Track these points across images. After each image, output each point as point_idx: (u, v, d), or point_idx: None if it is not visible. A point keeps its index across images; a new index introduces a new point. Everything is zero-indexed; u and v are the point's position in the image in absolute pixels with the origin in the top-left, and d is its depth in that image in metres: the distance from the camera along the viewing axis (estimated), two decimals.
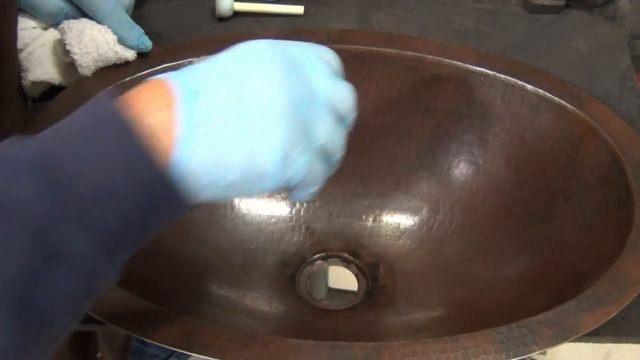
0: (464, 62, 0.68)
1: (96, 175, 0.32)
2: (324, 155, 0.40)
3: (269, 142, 0.36)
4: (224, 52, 0.38)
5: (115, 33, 0.64)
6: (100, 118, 0.34)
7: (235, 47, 0.38)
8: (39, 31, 0.66)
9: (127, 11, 0.66)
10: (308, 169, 0.38)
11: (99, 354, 0.77)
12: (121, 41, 0.64)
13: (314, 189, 0.41)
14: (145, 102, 0.35)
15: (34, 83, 0.64)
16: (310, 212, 0.71)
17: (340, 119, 0.40)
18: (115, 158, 0.33)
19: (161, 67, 0.66)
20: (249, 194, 0.38)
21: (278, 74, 0.37)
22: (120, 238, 0.34)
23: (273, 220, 0.70)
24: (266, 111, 0.36)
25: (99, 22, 0.64)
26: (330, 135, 0.39)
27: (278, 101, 0.36)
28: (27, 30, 0.66)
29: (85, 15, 0.65)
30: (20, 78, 0.64)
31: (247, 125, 0.35)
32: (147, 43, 0.66)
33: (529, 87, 0.66)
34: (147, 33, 0.67)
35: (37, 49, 0.64)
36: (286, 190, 0.40)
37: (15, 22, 0.61)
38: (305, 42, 0.41)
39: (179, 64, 0.67)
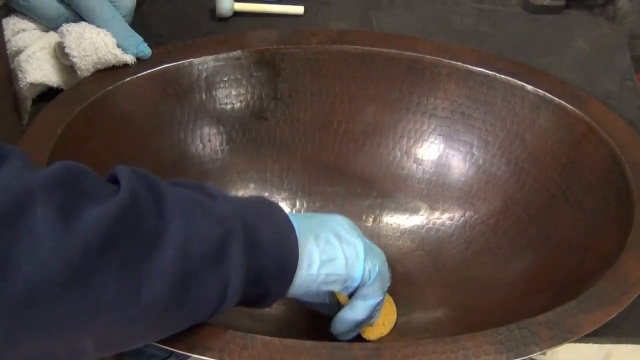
0: (463, 62, 0.68)
1: (262, 231, 0.45)
2: (382, 278, 0.52)
3: (356, 239, 0.51)
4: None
5: None
6: (263, 201, 0.49)
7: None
8: (39, 33, 0.66)
9: (127, 16, 0.66)
10: (380, 268, 0.52)
11: None
12: (120, 49, 0.65)
13: (378, 299, 0.52)
14: None
15: (32, 85, 0.64)
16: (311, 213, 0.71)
17: (384, 261, 0.54)
18: (275, 226, 0.47)
19: (161, 67, 0.66)
20: (340, 275, 0.49)
21: (344, 217, 0.54)
22: (249, 280, 0.44)
23: None
24: (344, 226, 0.52)
25: None
26: (382, 265, 0.53)
27: (350, 227, 0.52)
28: (27, 32, 0.66)
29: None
30: (10, 86, 0.64)
31: (337, 231, 0.51)
32: (146, 51, 0.66)
33: (529, 87, 0.66)
34: (146, 33, 0.67)
35: (37, 51, 0.64)
36: (356, 299, 0.52)
37: (2, 33, 0.61)
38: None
39: (178, 64, 0.67)
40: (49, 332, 0.35)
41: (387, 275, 0.54)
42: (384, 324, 0.58)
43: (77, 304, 0.35)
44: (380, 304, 0.53)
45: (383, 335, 0.58)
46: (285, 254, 0.46)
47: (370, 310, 0.52)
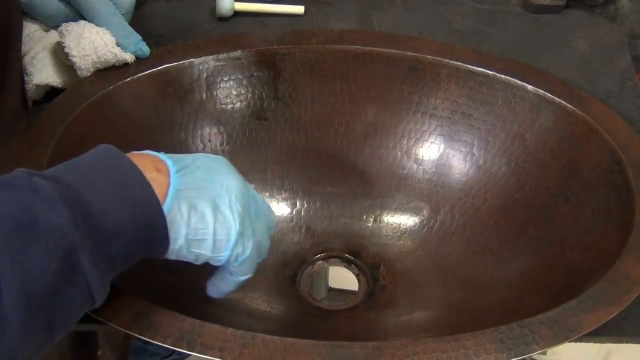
0: (464, 62, 0.68)
1: (114, 214, 0.41)
2: (258, 251, 0.50)
3: (234, 219, 0.47)
4: (196, 154, 0.50)
5: None
6: (114, 165, 0.43)
7: (204, 154, 0.50)
8: (40, 34, 0.66)
9: (127, 15, 0.66)
10: (251, 252, 0.49)
11: (99, 352, 0.77)
12: (119, 47, 0.65)
13: (246, 277, 0.51)
14: (141, 162, 0.44)
15: (38, 86, 0.64)
16: (311, 213, 0.71)
17: (269, 230, 0.52)
18: (130, 200, 0.42)
19: (162, 67, 0.66)
20: (205, 255, 0.47)
21: (240, 179, 0.49)
22: (116, 268, 0.43)
23: None
24: (231, 198, 0.47)
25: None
26: (264, 238, 0.51)
27: (240, 195, 0.48)
28: (31, 35, 0.65)
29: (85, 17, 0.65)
30: (24, 86, 0.64)
31: (218, 204, 0.47)
32: (145, 50, 0.66)
33: (530, 87, 0.66)
34: (147, 33, 0.67)
35: (40, 52, 0.64)
36: (225, 270, 0.50)
37: (21, 32, 0.61)
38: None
39: (179, 64, 0.67)
40: None
41: (257, 256, 0.51)
42: None
43: None
44: (249, 278, 0.52)
45: None
46: (150, 233, 0.44)
47: (239, 285, 0.51)
